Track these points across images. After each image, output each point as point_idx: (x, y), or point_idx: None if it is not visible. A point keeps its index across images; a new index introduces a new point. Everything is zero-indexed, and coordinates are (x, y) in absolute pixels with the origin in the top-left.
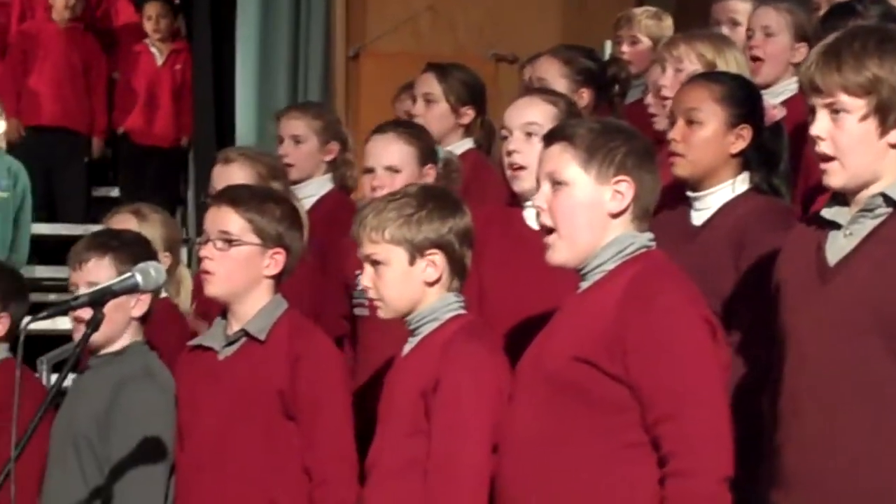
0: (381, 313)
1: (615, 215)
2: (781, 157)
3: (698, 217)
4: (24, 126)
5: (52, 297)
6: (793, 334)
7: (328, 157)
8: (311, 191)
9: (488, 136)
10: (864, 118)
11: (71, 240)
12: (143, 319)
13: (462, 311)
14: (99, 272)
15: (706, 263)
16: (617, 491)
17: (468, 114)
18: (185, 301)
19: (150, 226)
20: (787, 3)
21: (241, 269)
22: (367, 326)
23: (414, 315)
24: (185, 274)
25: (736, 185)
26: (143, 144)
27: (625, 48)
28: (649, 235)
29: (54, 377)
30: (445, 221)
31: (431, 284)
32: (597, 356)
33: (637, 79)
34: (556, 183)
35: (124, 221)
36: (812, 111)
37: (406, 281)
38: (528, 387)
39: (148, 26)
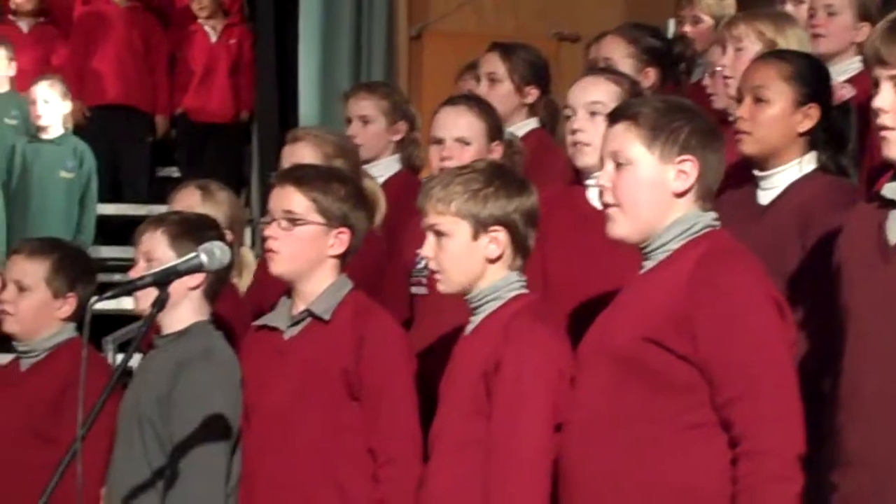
0: (441, 286)
1: (679, 195)
2: (849, 137)
3: (765, 196)
4: (89, 107)
5: (117, 277)
6: (853, 313)
7: (396, 137)
8: (380, 171)
9: (552, 115)
10: None
11: (136, 220)
12: (211, 299)
13: (524, 291)
14: (150, 244)
15: (772, 243)
16: (683, 472)
17: (532, 93)
18: (245, 283)
19: (215, 204)
20: None
21: (305, 249)
22: (425, 306)
23: (475, 293)
24: (247, 255)
25: (803, 165)
26: (202, 122)
27: (687, 28)
28: (713, 215)
29: (120, 357)
30: (511, 200)
31: (493, 261)
32: (665, 336)
33: (700, 58)
34: (620, 162)
35: (189, 196)
36: (875, 84)
37: (468, 255)
38: (592, 367)
39: (194, 5)
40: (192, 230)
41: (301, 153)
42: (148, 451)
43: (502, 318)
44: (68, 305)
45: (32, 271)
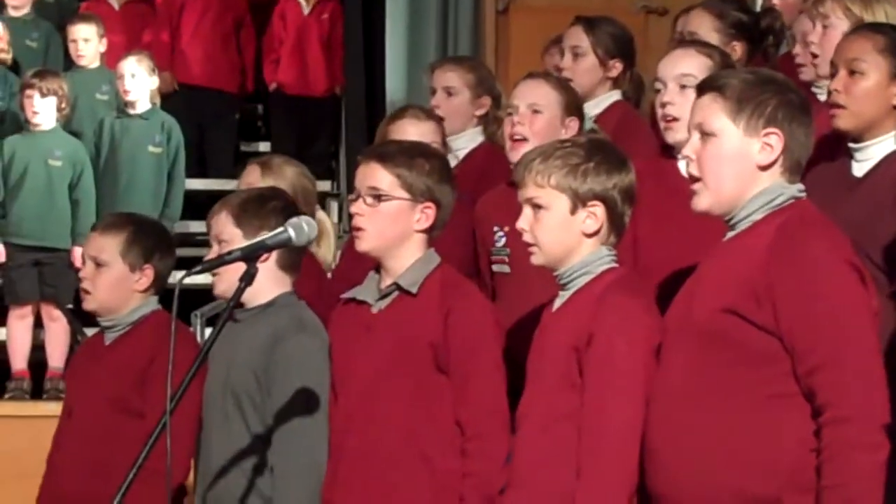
0: (535, 259)
1: (764, 167)
2: None
3: (859, 168)
4: (178, 84)
5: (205, 251)
6: None
7: (479, 112)
8: (462, 143)
9: (637, 88)
10: None
11: (222, 195)
12: (290, 270)
13: (615, 265)
14: (217, 227)
15: (869, 213)
16: (766, 442)
17: (616, 66)
18: (325, 253)
19: (276, 177)
20: None
21: (391, 225)
22: (507, 283)
23: (566, 268)
24: (324, 223)
25: None
26: (297, 95)
27: (777, 1)
28: (800, 186)
29: (209, 331)
30: (611, 176)
31: (589, 236)
32: (745, 307)
33: (789, 29)
34: (705, 133)
35: (250, 173)
36: None
37: (565, 228)
38: (677, 338)
39: None
40: (253, 206)
41: (406, 131)
42: (249, 424)
43: (594, 291)
44: (145, 278)
45: (108, 246)
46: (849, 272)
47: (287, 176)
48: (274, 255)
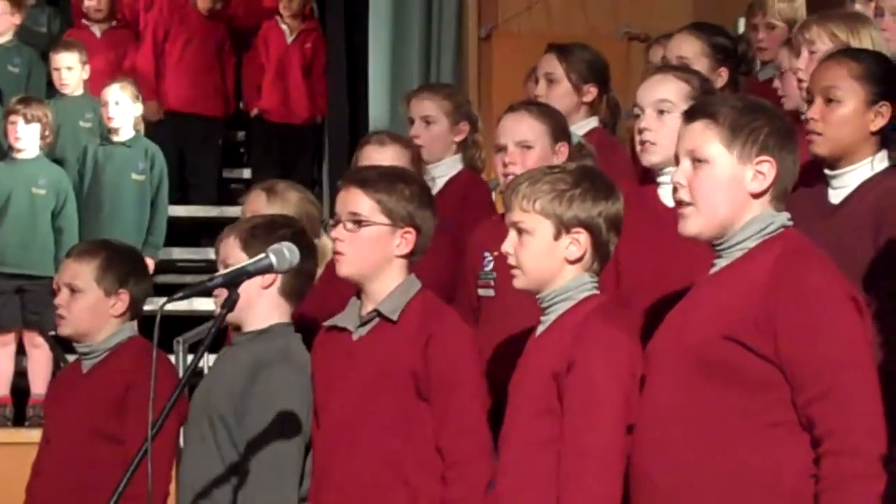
0: (517, 282)
1: (756, 195)
2: None
3: (836, 195)
4: (163, 110)
5: (189, 278)
6: None
7: (458, 138)
8: (442, 171)
9: (613, 113)
10: None
11: (205, 222)
12: (293, 298)
13: (595, 292)
14: (230, 256)
15: (845, 241)
16: (761, 471)
17: (591, 91)
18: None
19: (282, 203)
20: None
21: (371, 250)
22: (492, 307)
23: (547, 293)
24: (326, 246)
25: (875, 163)
26: (278, 122)
27: (761, 35)
28: (787, 215)
29: (191, 357)
30: (597, 204)
31: (572, 262)
32: (746, 335)
33: (769, 62)
34: (697, 160)
35: (256, 199)
36: None
37: (547, 254)
38: (666, 365)
39: (281, 4)
40: (263, 233)
41: (375, 156)
42: (221, 448)
43: (575, 318)
44: (121, 303)
45: (82, 272)
46: (848, 304)
47: (292, 201)
48: (277, 281)
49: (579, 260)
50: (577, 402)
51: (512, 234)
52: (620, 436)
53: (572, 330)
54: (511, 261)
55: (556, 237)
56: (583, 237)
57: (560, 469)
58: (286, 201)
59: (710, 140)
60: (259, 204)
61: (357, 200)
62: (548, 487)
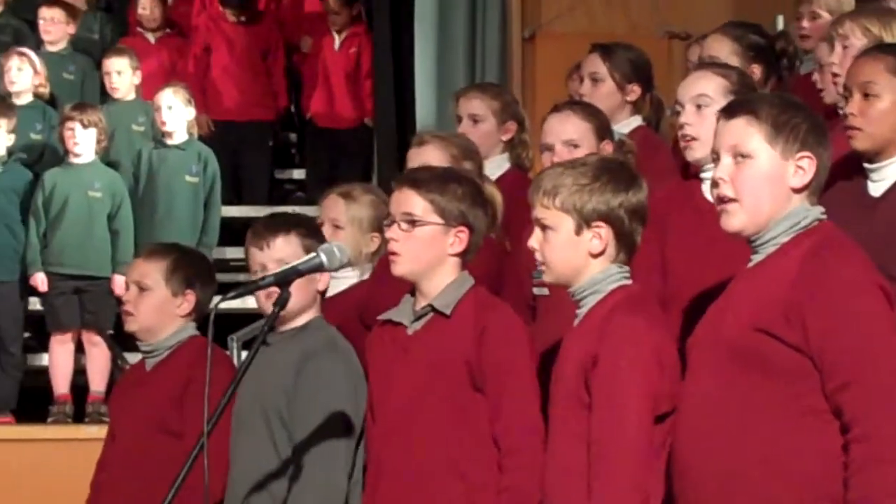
0: (546, 277)
1: (797, 190)
2: None
3: (876, 188)
4: (213, 119)
5: (241, 277)
6: None
7: (506, 137)
8: (490, 170)
9: (657, 111)
10: None
11: (258, 220)
12: (322, 296)
13: (626, 282)
14: (286, 249)
15: (887, 233)
16: (795, 457)
17: (634, 90)
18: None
19: (359, 206)
20: None
21: (425, 249)
22: (546, 305)
23: (577, 287)
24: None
25: None
26: (326, 127)
27: (805, 23)
28: (821, 209)
29: (245, 354)
30: (617, 195)
31: (595, 256)
32: (776, 326)
33: (806, 53)
34: (741, 155)
35: (333, 204)
36: None
37: (570, 248)
38: (705, 356)
39: (329, 14)
40: (311, 233)
41: (427, 156)
42: (275, 440)
43: (602, 311)
44: (187, 303)
45: (151, 272)
46: (877, 294)
47: (369, 205)
48: (322, 280)
49: (602, 252)
50: (603, 395)
51: (536, 230)
52: (647, 427)
53: (599, 323)
54: (537, 256)
55: (578, 232)
56: (604, 231)
57: (590, 461)
58: (362, 204)
59: (752, 136)
60: (337, 208)
61: (411, 201)
62: (581, 480)
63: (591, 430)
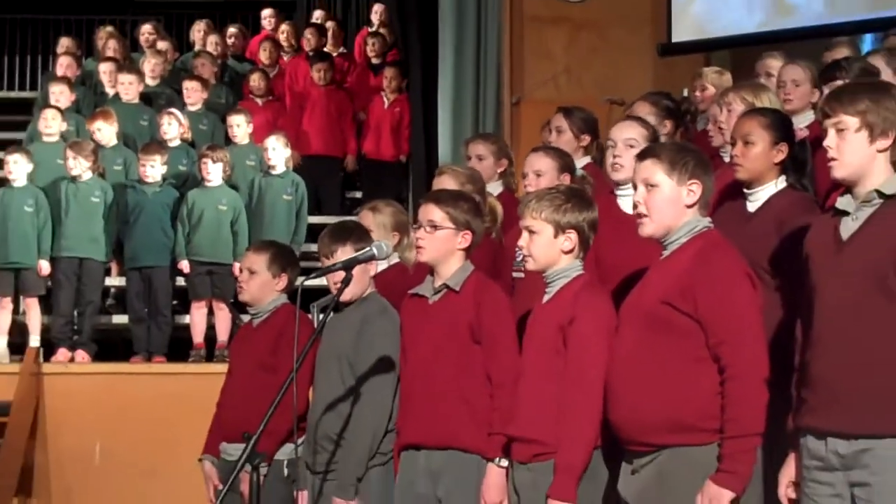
0: (530, 266)
1: (689, 206)
2: (807, 165)
3: (752, 206)
4: (301, 155)
5: (319, 264)
6: (818, 287)
7: (500, 170)
8: (489, 191)
9: (601, 154)
10: (858, 131)
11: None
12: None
13: (582, 272)
14: (343, 252)
15: (759, 237)
16: (689, 388)
17: (585, 139)
18: (410, 256)
19: (383, 215)
20: (805, 61)
21: (442, 245)
22: (520, 285)
23: (551, 272)
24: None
25: (777, 184)
26: (375, 160)
27: (698, 94)
28: (709, 219)
29: (321, 316)
30: (581, 213)
31: (566, 253)
32: (676, 300)
33: (703, 114)
34: (650, 185)
35: (364, 216)
36: (825, 130)
37: (550, 247)
38: (630, 322)
39: (385, 83)
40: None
41: (445, 182)
42: (344, 376)
43: (572, 289)
44: (282, 282)
45: (258, 260)
46: (745, 279)
47: (389, 214)
48: (374, 267)
49: (571, 251)
50: (576, 345)
51: (525, 234)
52: (603, 367)
53: (571, 297)
54: (525, 251)
55: (555, 236)
56: (573, 236)
57: (562, 388)
58: (384, 214)
59: (657, 171)
60: (367, 219)
61: (433, 212)
62: (552, 402)
63: (567, 367)
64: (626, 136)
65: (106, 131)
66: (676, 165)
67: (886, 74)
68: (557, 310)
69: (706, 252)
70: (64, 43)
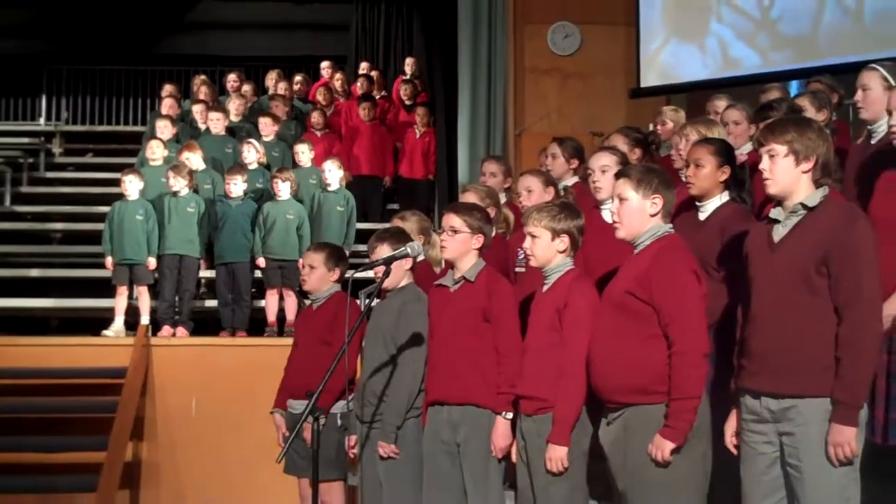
0: (532, 263)
1: (653, 215)
2: (746, 183)
3: (702, 215)
4: (352, 175)
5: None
6: (754, 279)
7: (506, 185)
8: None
9: (586, 174)
10: (786, 156)
11: (374, 230)
12: (412, 273)
13: (573, 267)
14: (383, 251)
15: (707, 240)
16: (645, 360)
17: (575, 163)
18: (435, 255)
19: (409, 222)
20: (743, 104)
21: (461, 245)
22: (521, 278)
23: (549, 268)
24: (437, 241)
25: (722, 198)
26: (409, 179)
27: (659, 128)
28: (670, 226)
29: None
30: (572, 220)
31: (561, 252)
32: (636, 290)
33: (666, 142)
34: (622, 199)
35: (394, 223)
36: (760, 156)
37: (548, 249)
38: (605, 306)
39: (417, 119)
40: (398, 238)
41: (466, 197)
42: (388, 349)
43: (565, 281)
44: (335, 274)
45: (317, 258)
46: (690, 275)
47: (414, 221)
48: (409, 262)
49: (565, 251)
50: (569, 324)
51: (528, 238)
52: (587, 341)
53: (565, 287)
54: (528, 252)
55: (552, 239)
56: (567, 239)
57: (560, 359)
58: (410, 221)
59: (627, 188)
60: (396, 223)
61: (453, 219)
62: (552, 369)
63: (563, 341)
64: (601, 164)
65: (194, 159)
66: (642, 183)
67: (810, 112)
68: (554, 297)
69: (662, 252)
70: (168, 88)
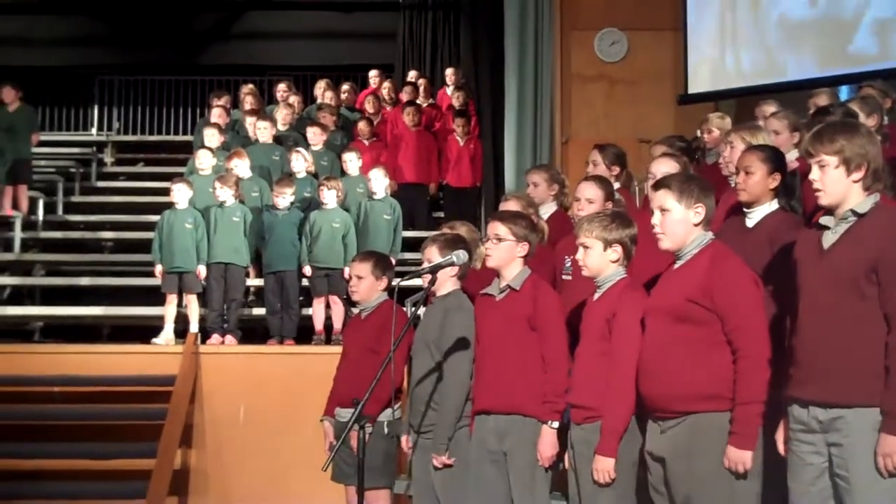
0: (584, 273)
1: (696, 224)
2: (796, 190)
3: (750, 222)
4: (398, 184)
5: (413, 268)
6: (804, 287)
7: (553, 192)
8: (545, 210)
9: (628, 181)
10: (837, 167)
11: (421, 239)
12: (461, 280)
13: (625, 275)
14: (432, 254)
15: (755, 248)
16: (710, 366)
17: (616, 170)
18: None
19: (458, 232)
20: (786, 111)
21: (506, 253)
22: (567, 286)
23: (601, 278)
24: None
25: (772, 206)
26: (455, 187)
27: (706, 136)
28: (712, 233)
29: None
30: (624, 231)
31: (614, 262)
32: (698, 297)
33: (712, 150)
34: (664, 210)
35: (445, 230)
36: (810, 166)
37: (600, 258)
38: (656, 315)
39: (457, 128)
40: (448, 244)
41: (510, 205)
42: (434, 356)
43: (616, 290)
44: (383, 283)
45: (364, 267)
46: (751, 281)
47: (464, 230)
48: (455, 270)
49: (618, 261)
50: (619, 333)
51: (581, 249)
52: (637, 350)
53: (614, 296)
54: (580, 262)
55: (605, 249)
56: (619, 249)
57: (609, 367)
58: (460, 231)
59: (668, 199)
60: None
61: (498, 228)
62: (602, 377)
63: (612, 350)
64: (663, 171)
65: (241, 166)
66: (684, 193)
67: (861, 117)
68: (604, 306)
69: (719, 260)
70: (217, 97)
